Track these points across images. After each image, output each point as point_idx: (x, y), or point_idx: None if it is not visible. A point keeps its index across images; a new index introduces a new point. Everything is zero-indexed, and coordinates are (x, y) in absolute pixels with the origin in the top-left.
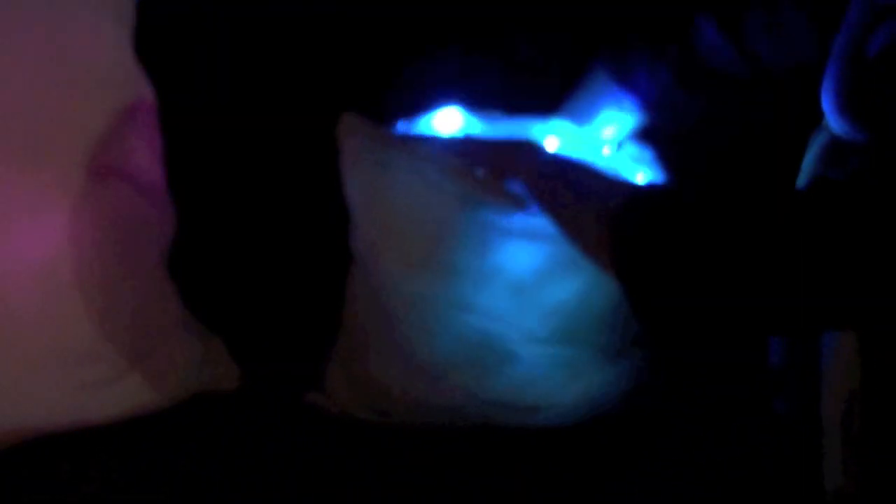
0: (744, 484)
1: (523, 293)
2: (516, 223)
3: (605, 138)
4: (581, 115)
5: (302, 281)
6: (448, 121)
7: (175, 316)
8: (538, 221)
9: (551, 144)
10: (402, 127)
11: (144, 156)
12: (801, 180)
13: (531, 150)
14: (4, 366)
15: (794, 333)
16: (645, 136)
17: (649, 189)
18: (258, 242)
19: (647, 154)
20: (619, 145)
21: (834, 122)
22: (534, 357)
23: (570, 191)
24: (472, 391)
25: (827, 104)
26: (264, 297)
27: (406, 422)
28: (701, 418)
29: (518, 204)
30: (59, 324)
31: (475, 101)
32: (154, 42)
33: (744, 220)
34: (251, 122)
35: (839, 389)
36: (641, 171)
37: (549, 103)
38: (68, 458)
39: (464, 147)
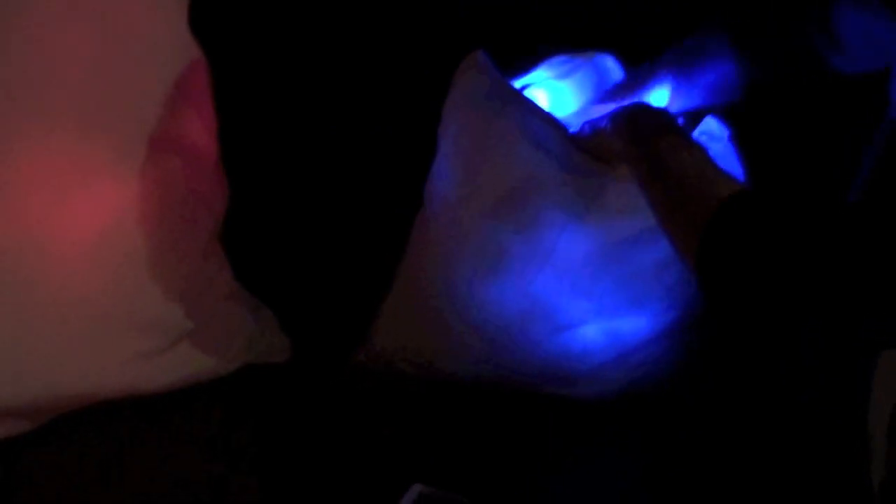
0: (789, 476)
1: (601, 258)
2: (609, 194)
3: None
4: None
5: (354, 240)
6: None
7: (228, 287)
8: (632, 194)
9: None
10: (516, 80)
11: (198, 128)
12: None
13: (648, 119)
14: (62, 333)
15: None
16: (725, 113)
17: (747, 196)
18: (310, 209)
19: (725, 132)
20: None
21: None
22: (589, 328)
23: (673, 179)
24: (521, 356)
25: None
26: (315, 264)
27: (449, 381)
28: (746, 409)
29: (617, 175)
30: (115, 293)
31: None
32: (208, 13)
33: (839, 241)
34: (306, 94)
35: (888, 383)
36: (716, 148)
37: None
38: (123, 425)
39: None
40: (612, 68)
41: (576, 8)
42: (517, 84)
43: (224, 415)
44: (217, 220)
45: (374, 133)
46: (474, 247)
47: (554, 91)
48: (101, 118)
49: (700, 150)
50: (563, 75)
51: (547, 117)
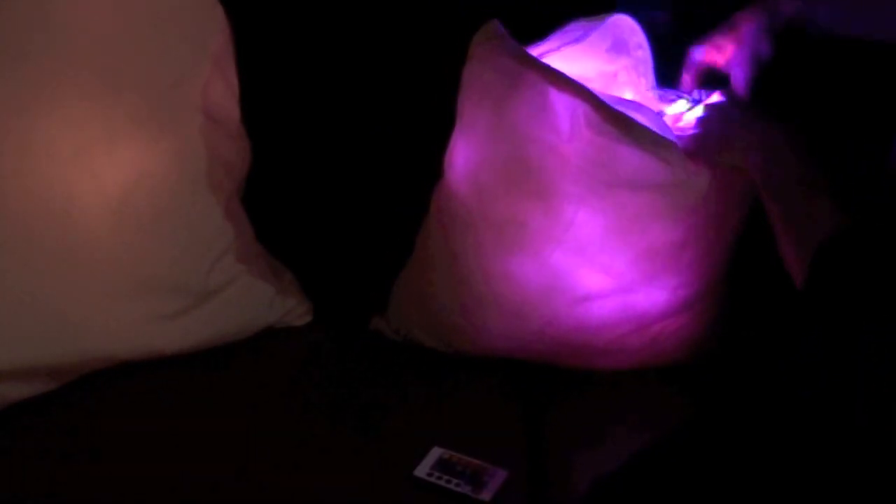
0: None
1: (620, 234)
2: (625, 162)
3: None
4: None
5: (375, 208)
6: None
7: (249, 250)
8: (650, 168)
9: None
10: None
11: (221, 90)
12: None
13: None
14: (82, 294)
15: None
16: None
17: (850, 232)
18: (332, 174)
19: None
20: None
21: None
22: (608, 301)
23: (793, 204)
24: (541, 327)
25: None
26: (337, 228)
27: (465, 352)
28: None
29: (640, 144)
30: (134, 254)
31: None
32: None
33: None
34: (330, 62)
35: None
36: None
37: None
38: (142, 386)
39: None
40: (629, 27)
41: None
42: (534, 53)
43: (246, 374)
44: (239, 181)
45: (395, 100)
46: (494, 218)
47: (571, 56)
48: (126, 78)
49: (816, 174)
50: (578, 40)
51: (568, 83)
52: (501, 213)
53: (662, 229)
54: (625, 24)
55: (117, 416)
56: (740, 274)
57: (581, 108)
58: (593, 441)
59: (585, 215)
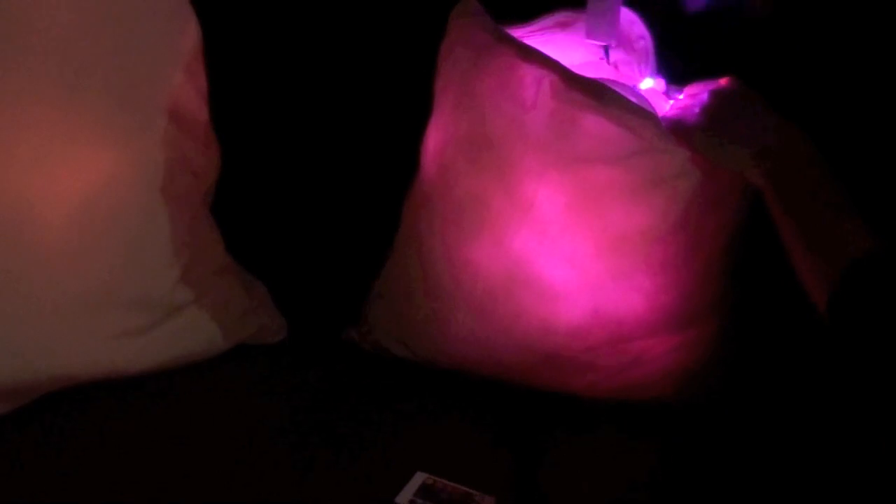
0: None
1: (582, 215)
2: (588, 139)
3: None
4: None
5: (352, 216)
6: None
7: (220, 260)
8: (617, 138)
9: None
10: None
11: (189, 92)
12: None
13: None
14: (36, 309)
15: None
16: None
17: (877, 258)
18: (304, 180)
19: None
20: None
21: None
22: (578, 302)
23: (811, 221)
24: (508, 325)
25: None
26: (312, 238)
27: (432, 360)
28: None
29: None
30: (94, 266)
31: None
32: None
33: None
34: (300, 63)
35: None
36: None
37: None
38: (104, 409)
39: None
40: (628, 18)
41: None
42: (514, 34)
43: (215, 395)
44: (208, 188)
45: (372, 102)
46: (456, 198)
47: (551, 41)
48: (87, 79)
49: (840, 192)
50: (561, 28)
51: (539, 56)
52: (463, 191)
53: (628, 212)
54: (623, 16)
55: (73, 442)
56: (747, 300)
57: (548, 77)
58: (585, 466)
59: (546, 193)
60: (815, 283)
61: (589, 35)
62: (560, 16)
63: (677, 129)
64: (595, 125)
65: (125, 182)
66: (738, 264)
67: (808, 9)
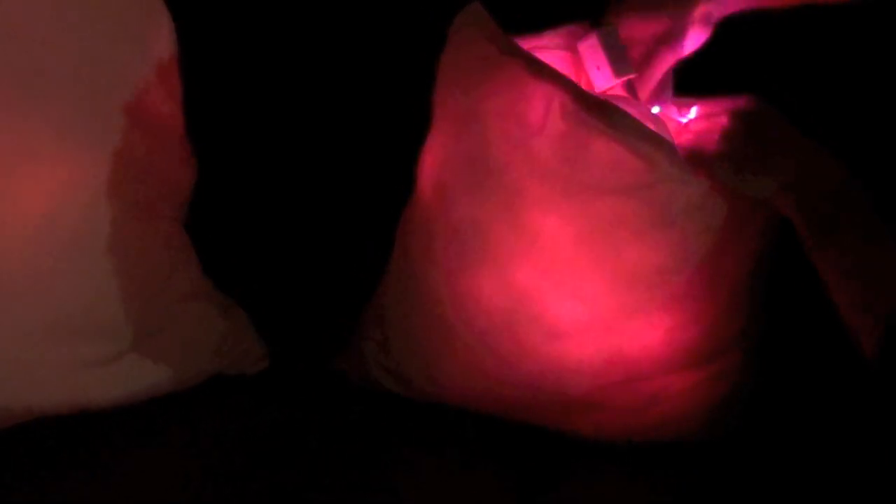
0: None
1: (593, 248)
2: (601, 159)
3: None
4: None
5: (338, 236)
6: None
7: (194, 283)
8: (630, 166)
9: None
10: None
11: (162, 97)
12: None
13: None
14: None
15: None
16: None
17: None
18: (287, 198)
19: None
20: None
21: None
22: (587, 339)
23: (858, 266)
24: (509, 367)
25: None
26: (296, 258)
27: (427, 394)
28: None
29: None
30: (57, 289)
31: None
32: None
33: None
34: (285, 71)
35: None
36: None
37: None
38: (69, 443)
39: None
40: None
41: None
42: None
43: (191, 431)
44: (182, 202)
45: (363, 112)
46: (455, 223)
47: (561, 58)
48: (51, 84)
49: (877, 220)
50: (570, 44)
51: (551, 72)
52: (462, 215)
53: (642, 246)
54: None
55: (34, 481)
56: (778, 334)
57: (558, 96)
58: None
59: (553, 223)
60: (858, 317)
61: (617, 74)
62: (568, 32)
63: (696, 157)
64: (606, 149)
65: (90, 196)
66: (766, 291)
67: (832, 20)
